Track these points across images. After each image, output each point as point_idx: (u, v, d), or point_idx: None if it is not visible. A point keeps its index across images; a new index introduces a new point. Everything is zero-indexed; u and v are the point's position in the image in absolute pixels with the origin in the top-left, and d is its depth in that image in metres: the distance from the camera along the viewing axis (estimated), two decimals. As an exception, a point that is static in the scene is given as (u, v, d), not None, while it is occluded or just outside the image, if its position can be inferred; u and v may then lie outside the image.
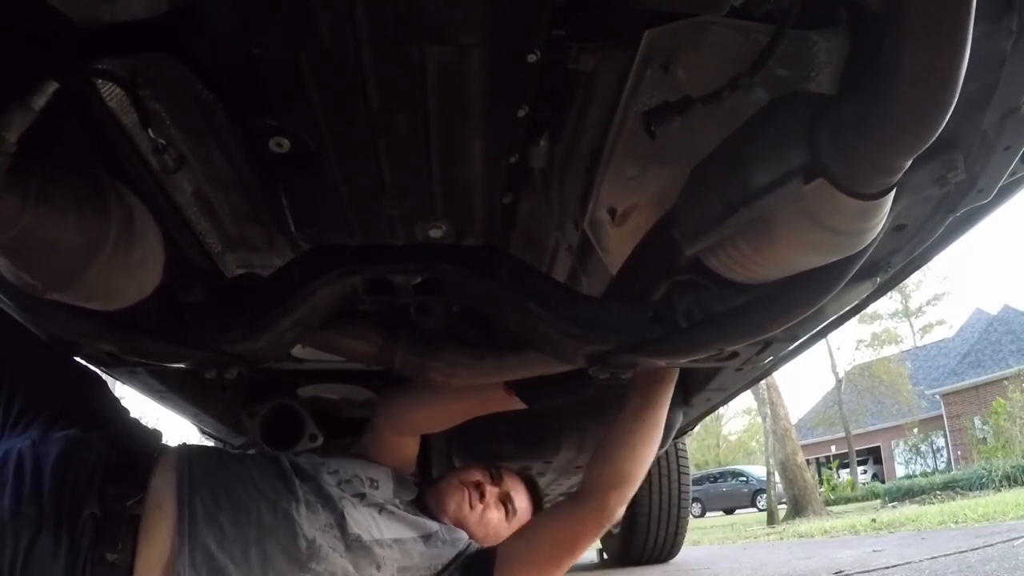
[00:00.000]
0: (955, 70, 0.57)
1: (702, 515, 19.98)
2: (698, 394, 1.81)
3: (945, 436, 22.86)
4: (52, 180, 0.72)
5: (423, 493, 1.41)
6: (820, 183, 0.69)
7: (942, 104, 0.59)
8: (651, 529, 3.58)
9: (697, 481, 20.15)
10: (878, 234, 0.78)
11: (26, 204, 0.70)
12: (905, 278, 1.27)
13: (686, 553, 4.19)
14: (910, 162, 0.66)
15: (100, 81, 0.85)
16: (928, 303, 29.77)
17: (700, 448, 32.25)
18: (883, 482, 19.35)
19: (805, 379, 63.39)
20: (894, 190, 0.70)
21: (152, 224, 0.87)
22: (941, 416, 23.05)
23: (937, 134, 0.62)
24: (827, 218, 0.72)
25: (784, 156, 0.71)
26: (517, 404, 1.39)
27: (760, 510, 17.18)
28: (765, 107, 0.78)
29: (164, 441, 1.32)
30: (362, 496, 1.26)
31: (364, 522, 1.21)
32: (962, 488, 10.75)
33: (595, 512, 1.31)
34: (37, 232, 0.72)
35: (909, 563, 3.00)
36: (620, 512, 1.33)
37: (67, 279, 0.78)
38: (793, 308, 0.92)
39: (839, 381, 23.82)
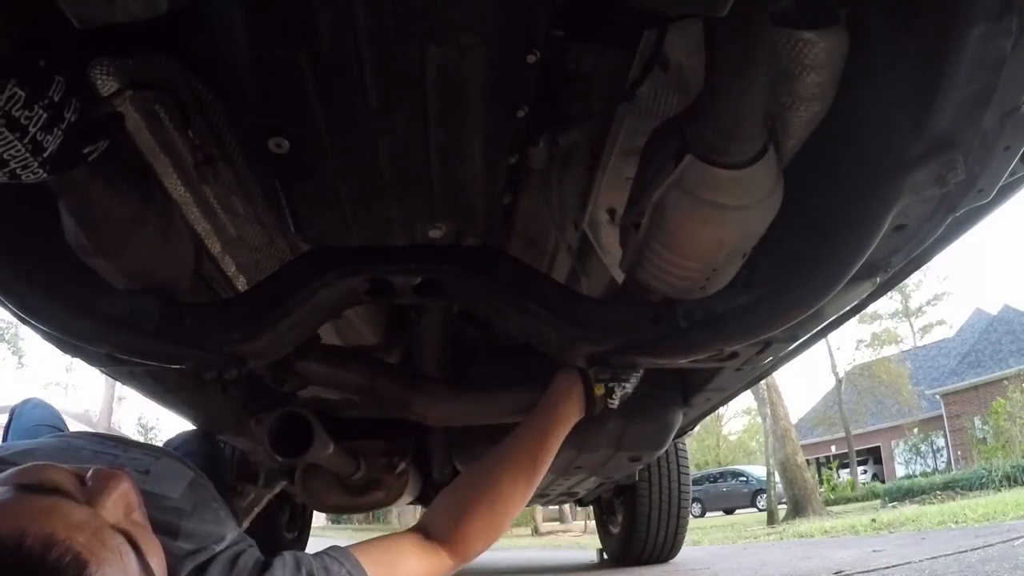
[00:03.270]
0: (753, 69, 0.73)
1: (702, 515, 19.96)
2: (698, 394, 1.81)
3: (945, 436, 22.83)
4: (114, 161, 0.86)
5: None
6: (689, 159, 0.80)
7: (750, 81, 0.74)
8: (651, 529, 3.58)
9: (697, 481, 20.12)
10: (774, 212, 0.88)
11: (92, 175, 0.85)
12: (905, 278, 1.27)
13: (686, 553, 4.19)
14: (759, 130, 0.79)
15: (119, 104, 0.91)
16: (928, 303, 29.75)
17: (700, 448, 32.19)
18: (883, 482, 19.31)
19: (805, 379, 63.34)
20: (761, 160, 0.81)
21: (187, 231, 1.06)
22: (941, 416, 23.02)
23: (754, 102, 0.76)
24: (705, 193, 0.82)
25: (661, 150, 0.85)
26: None
27: (760, 510, 17.16)
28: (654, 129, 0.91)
29: None
30: None
31: None
32: (962, 488, 10.73)
33: (455, 562, 1.01)
34: (96, 198, 0.88)
35: (909, 563, 3.00)
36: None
37: (114, 246, 0.94)
38: (793, 308, 0.92)
39: (839, 381, 23.79)
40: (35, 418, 1.73)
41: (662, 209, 0.86)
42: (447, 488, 1.09)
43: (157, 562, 0.72)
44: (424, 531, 1.03)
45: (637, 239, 0.92)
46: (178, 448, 1.75)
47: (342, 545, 0.96)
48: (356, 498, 2.23)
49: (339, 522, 20.65)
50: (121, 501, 0.70)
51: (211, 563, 0.85)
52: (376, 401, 1.47)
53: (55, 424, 1.73)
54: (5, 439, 1.69)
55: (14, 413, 1.76)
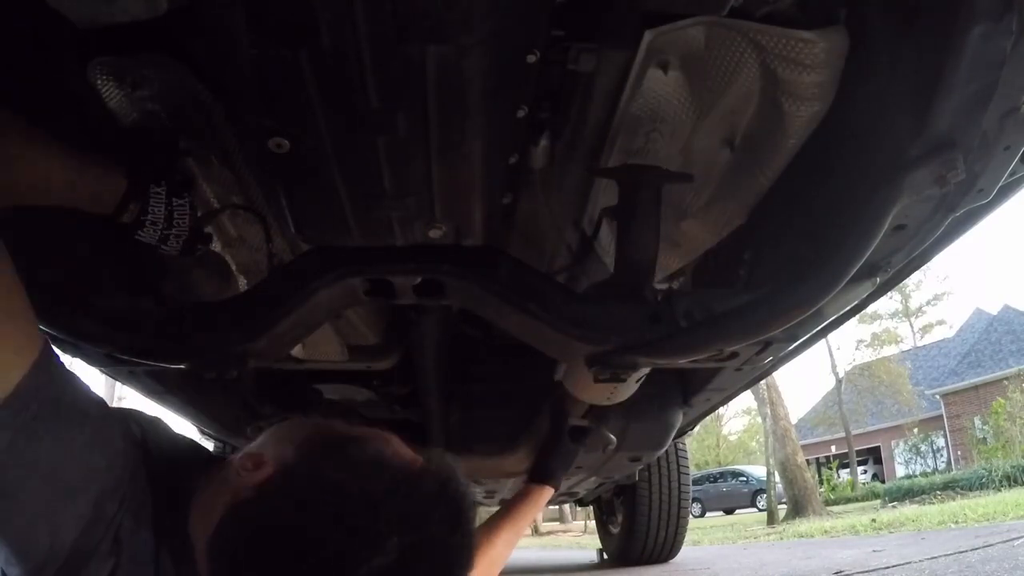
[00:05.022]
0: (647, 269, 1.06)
1: (702, 515, 19.96)
2: (698, 394, 1.81)
3: (945, 436, 22.84)
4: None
5: None
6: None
7: (645, 277, 1.07)
8: (651, 529, 3.58)
9: (697, 481, 20.11)
10: None
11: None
12: (905, 278, 1.27)
13: (686, 553, 4.19)
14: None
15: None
16: (928, 303, 29.77)
17: (700, 448, 32.18)
18: (883, 482, 19.30)
19: (805, 379, 63.40)
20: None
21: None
22: (941, 416, 23.02)
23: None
24: None
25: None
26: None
27: (760, 510, 17.16)
28: None
29: None
30: None
31: None
32: (962, 488, 10.73)
33: None
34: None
35: (909, 563, 3.00)
36: None
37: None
38: (793, 308, 0.92)
39: (839, 381, 23.78)
40: None
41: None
42: None
43: None
44: None
45: None
46: None
47: None
48: (356, 498, 2.23)
49: (339, 522, 20.60)
50: None
51: None
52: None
53: None
54: None
55: None
